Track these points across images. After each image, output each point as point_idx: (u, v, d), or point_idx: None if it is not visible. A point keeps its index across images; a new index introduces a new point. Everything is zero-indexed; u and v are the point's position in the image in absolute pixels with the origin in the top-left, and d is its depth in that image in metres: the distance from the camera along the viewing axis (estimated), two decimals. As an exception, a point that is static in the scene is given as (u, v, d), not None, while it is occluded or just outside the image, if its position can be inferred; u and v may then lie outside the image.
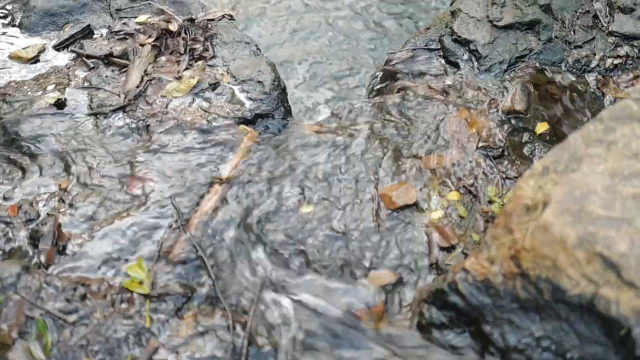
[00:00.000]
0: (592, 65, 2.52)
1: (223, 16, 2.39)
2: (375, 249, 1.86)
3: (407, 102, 2.32)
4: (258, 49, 2.33)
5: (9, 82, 2.28)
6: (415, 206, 1.98)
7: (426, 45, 2.57)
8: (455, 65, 2.49)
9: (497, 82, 2.43)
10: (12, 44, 2.42)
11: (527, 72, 2.47)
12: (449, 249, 1.88)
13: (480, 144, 2.20)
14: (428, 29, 2.66)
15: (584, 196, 1.43)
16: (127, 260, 1.77)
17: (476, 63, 2.47)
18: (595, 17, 2.65)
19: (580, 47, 2.55)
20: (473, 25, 2.54)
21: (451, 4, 2.73)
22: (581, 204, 1.42)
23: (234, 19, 2.42)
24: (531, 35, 2.56)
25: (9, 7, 2.49)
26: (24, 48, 2.38)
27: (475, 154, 2.17)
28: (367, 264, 1.82)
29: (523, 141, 2.26)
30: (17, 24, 2.46)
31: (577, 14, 2.64)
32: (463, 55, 2.50)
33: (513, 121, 2.31)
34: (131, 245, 1.80)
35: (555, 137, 2.27)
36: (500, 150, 2.19)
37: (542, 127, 2.28)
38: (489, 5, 2.59)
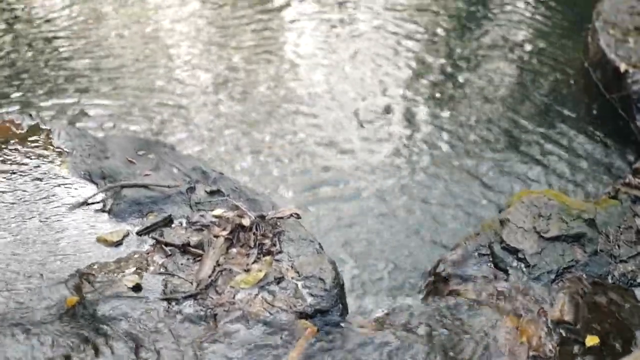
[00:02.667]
0: (639, 280, 2.62)
1: (291, 215, 2.64)
2: None
3: (459, 306, 2.44)
4: (321, 247, 2.54)
5: (94, 263, 2.52)
6: (467, 415, 2.01)
7: (476, 250, 2.74)
8: (505, 272, 2.62)
9: (546, 290, 2.54)
10: (100, 228, 2.70)
11: (575, 283, 2.59)
12: None
13: (531, 353, 2.26)
14: (478, 234, 2.84)
15: None
16: None
17: (525, 271, 2.61)
18: (638, 232, 2.80)
19: (625, 261, 2.68)
20: (521, 235, 2.72)
21: (499, 213, 2.95)
22: None
23: (300, 218, 2.67)
24: (577, 247, 2.71)
25: (102, 195, 2.81)
26: (110, 232, 2.65)
27: (526, 364, 2.22)
28: None
29: (573, 353, 2.30)
30: (107, 210, 2.75)
31: (621, 229, 2.80)
32: (512, 262, 2.65)
33: (562, 331, 2.37)
34: None
35: (606, 351, 2.31)
36: (551, 361, 2.24)
37: (591, 340, 2.34)
38: (536, 217, 2.79)
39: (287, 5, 6.55)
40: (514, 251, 2.67)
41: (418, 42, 5.67)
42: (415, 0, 6.75)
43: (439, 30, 5.94)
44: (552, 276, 2.59)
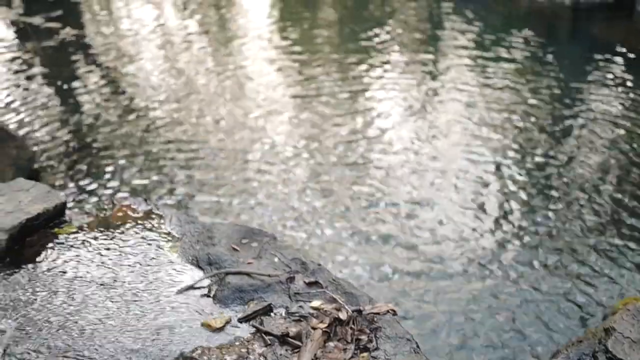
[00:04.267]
0: None
1: (388, 311, 2.66)
2: None
3: (562, 419, 2.34)
4: (418, 346, 2.53)
5: (197, 348, 2.63)
6: None
7: (579, 359, 2.64)
8: (612, 384, 2.50)
9: (658, 409, 2.39)
10: (204, 312, 2.83)
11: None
12: None
13: None
14: (580, 341, 2.74)
15: None
16: None
17: (633, 385, 2.48)
18: None
19: None
20: (628, 346, 2.60)
21: (603, 319, 2.84)
22: None
23: (396, 314, 2.69)
24: (691, 363, 2.54)
25: (208, 280, 2.97)
26: (213, 318, 2.77)
27: None
28: None
29: None
30: (212, 295, 2.90)
31: None
32: (619, 375, 2.52)
33: None
34: None
35: None
36: None
37: None
38: (644, 328, 2.66)
39: (375, 83, 6.82)
40: (620, 364, 2.55)
41: (515, 122, 5.69)
42: (510, 82, 6.84)
43: (539, 110, 5.95)
44: (665, 392, 2.44)
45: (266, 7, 10.57)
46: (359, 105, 6.29)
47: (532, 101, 6.14)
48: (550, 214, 4.35)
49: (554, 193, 4.59)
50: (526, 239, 4.13)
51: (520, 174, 4.84)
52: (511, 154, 5.14)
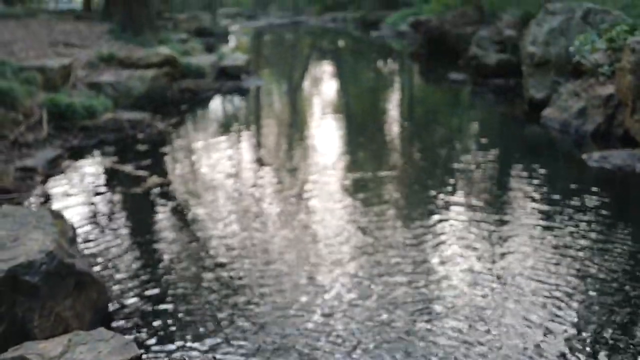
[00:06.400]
0: None
1: None
2: None
3: None
4: None
5: None
6: None
7: None
8: None
9: None
10: None
11: None
12: None
13: None
14: None
15: None
16: None
17: None
18: None
19: None
20: None
21: None
22: None
23: None
24: None
25: None
26: None
27: None
28: None
29: None
30: None
31: None
32: None
33: None
34: None
35: None
36: None
37: None
38: None
39: (442, 237, 6.86)
40: None
41: (582, 284, 5.53)
42: (577, 241, 6.74)
43: (609, 278, 5.79)
44: None
45: (338, 157, 11.17)
46: (427, 261, 6.35)
47: (604, 265, 6.01)
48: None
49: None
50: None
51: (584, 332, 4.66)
52: (579, 311, 4.98)
